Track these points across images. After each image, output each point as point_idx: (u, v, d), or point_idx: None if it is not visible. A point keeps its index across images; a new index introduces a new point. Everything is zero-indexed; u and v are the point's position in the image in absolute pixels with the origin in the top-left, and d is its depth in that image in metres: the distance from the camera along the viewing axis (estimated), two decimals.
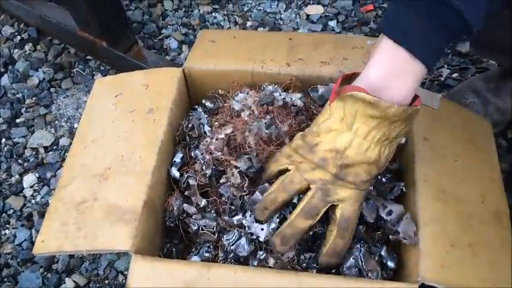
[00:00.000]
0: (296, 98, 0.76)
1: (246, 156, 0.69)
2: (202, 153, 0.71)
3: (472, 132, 0.77)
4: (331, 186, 0.61)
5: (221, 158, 0.70)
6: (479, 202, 0.68)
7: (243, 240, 0.67)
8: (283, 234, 0.64)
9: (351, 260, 0.66)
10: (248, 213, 0.68)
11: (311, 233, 0.67)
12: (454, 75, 1.19)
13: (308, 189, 0.63)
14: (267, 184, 0.68)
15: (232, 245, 0.67)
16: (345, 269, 0.65)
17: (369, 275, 0.65)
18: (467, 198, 0.68)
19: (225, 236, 0.68)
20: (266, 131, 0.70)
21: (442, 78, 1.18)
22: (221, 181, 0.71)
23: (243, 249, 0.66)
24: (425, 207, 0.66)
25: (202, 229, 0.68)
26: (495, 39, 0.90)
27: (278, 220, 0.66)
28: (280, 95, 0.76)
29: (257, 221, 0.67)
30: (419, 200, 0.67)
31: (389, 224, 0.67)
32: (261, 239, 0.66)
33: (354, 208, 0.62)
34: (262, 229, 0.66)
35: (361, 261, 0.65)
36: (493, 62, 1.18)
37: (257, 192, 0.67)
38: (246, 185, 0.68)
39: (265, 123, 0.71)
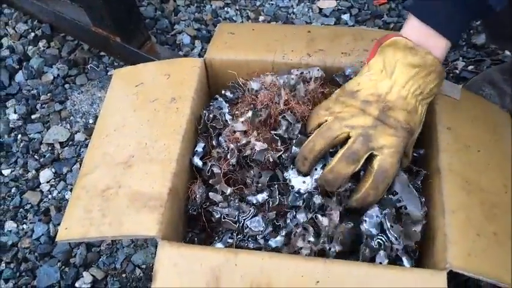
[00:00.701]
0: (314, 70, 0.76)
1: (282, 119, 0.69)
2: (225, 141, 0.71)
3: (492, 123, 0.77)
4: (373, 131, 0.63)
5: (247, 141, 0.70)
6: (502, 192, 0.68)
7: (259, 217, 0.67)
8: (326, 178, 0.65)
9: (376, 209, 0.65)
10: (290, 167, 0.68)
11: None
12: (470, 67, 1.18)
13: (347, 138, 0.64)
14: (302, 136, 0.68)
15: (248, 220, 0.67)
16: (367, 217, 0.65)
17: (390, 232, 0.64)
18: (490, 188, 0.68)
19: (241, 214, 0.68)
20: (296, 74, 0.71)
21: (458, 71, 1.17)
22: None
23: (258, 224, 0.67)
24: (450, 195, 0.66)
25: (224, 217, 0.68)
26: None
27: (321, 171, 0.66)
28: (297, 70, 0.77)
29: (300, 173, 0.68)
30: (445, 188, 0.66)
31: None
32: (302, 191, 0.67)
33: (393, 161, 0.63)
34: (304, 182, 0.67)
35: (385, 219, 0.65)
36: (508, 53, 1.18)
37: (293, 147, 0.68)
38: (279, 144, 0.69)
39: (292, 78, 0.72)
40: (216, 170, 0.70)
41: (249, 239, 0.67)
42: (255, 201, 0.68)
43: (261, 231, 0.66)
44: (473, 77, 1.10)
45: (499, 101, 1.01)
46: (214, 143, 0.74)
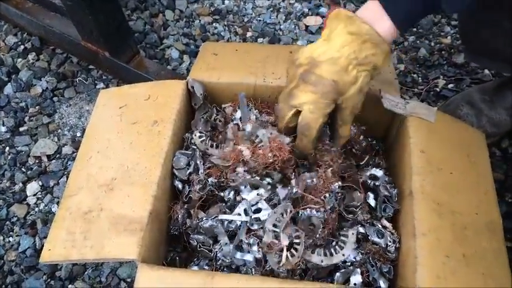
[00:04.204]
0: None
1: None
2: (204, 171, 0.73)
3: (467, 145, 0.79)
4: (295, 90, 0.70)
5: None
6: (473, 213, 0.71)
7: (230, 246, 0.69)
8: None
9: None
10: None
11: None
12: (450, 85, 1.21)
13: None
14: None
15: (219, 252, 0.69)
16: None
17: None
18: (462, 210, 0.70)
19: (215, 246, 0.70)
20: None
21: (438, 89, 1.20)
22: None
23: (228, 254, 0.69)
24: (421, 219, 0.68)
25: (200, 246, 0.70)
26: (496, 48, 0.90)
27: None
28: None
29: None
30: (416, 211, 0.69)
31: None
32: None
33: (313, 116, 0.69)
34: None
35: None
36: (487, 72, 1.21)
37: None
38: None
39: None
40: (192, 196, 0.72)
41: (224, 269, 0.69)
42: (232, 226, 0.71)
43: (232, 261, 0.68)
44: (453, 95, 1.13)
45: (476, 121, 1.04)
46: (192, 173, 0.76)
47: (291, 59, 0.73)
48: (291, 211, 0.68)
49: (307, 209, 0.69)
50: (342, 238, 0.70)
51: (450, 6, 0.65)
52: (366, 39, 0.66)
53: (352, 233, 0.70)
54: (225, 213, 0.71)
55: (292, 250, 0.67)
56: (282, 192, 0.71)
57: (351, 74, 0.67)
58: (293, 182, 0.73)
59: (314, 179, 0.72)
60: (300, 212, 0.69)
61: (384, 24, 0.66)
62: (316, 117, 0.69)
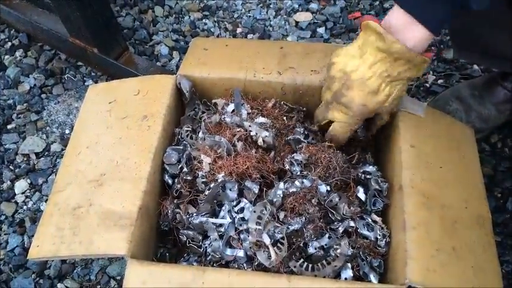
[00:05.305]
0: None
1: None
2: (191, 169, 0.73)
3: (456, 140, 0.80)
4: (330, 105, 0.75)
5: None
6: (462, 207, 0.71)
7: (220, 242, 0.68)
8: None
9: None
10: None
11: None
12: (440, 81, 1.22)
13: None
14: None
15: (209, 248, 0.69)
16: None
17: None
18: (451, 204, 0.71)
19: (205, 239, 0.70)
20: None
21: (428, 85, 1.21)
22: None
23: (218, 249, 0.68)
24: (411, 213, 0.68)
25: (189, 242, 0.70)
26: (485, 42, 0.91)
27: None
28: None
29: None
30: (406, 205, 0.69)
31: None
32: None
33: (342, 130, 0.76)
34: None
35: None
36: (477, 68, 1.21)
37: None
38: None
39: None
40: (183, 191, 0.71)
41: (214, 265, 0.68)
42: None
43: (222, 257, 0.68)
44: (443, 91, 1.14)
45: (465, 116, 1.04)
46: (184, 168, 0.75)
47: (328, 62, 0.75)
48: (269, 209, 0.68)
49: (285, 225, 0.69)
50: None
51: (479, 4, 0.60)
52: (396, 57, 0.65)
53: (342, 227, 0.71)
54: (214, 210, 0.71)
55: (278, 244, 0.67)
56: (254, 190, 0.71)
57: (382, 93, 0.69)
58: (270, 193, 0.73)
59: (290, 189, 0.72)
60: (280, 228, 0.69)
61: (416, 32, 0.64)
62: (345, 132, 0.76)
